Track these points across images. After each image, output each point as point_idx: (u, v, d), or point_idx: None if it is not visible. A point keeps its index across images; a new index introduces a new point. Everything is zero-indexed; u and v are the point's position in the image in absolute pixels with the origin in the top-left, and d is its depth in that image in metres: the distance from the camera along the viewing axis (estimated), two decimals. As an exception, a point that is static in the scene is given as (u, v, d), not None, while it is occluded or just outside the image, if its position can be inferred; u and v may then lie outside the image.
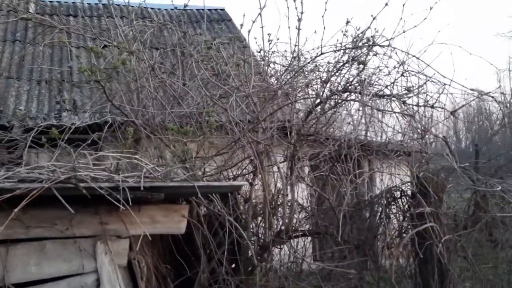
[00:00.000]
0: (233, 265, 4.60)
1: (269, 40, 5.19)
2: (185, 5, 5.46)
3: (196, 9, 10.26)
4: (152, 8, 9.78)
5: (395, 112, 4.82)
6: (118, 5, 8.83)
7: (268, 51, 5.41)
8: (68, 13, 9.29)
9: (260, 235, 5.04)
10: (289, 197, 4.78)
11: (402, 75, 4.64)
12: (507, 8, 57.32)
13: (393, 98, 4.60)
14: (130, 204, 2.79)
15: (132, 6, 5.75)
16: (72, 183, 2.75)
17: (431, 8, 4.43)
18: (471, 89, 4.33)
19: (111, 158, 3.53)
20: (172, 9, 9.74)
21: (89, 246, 3.18)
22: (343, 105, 5.12)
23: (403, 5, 4.45)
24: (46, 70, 7.64)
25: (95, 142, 4.31)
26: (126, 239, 3.28)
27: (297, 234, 5.18)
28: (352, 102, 5.01)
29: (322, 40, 4.87)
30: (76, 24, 6.42)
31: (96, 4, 9.80)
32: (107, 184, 2.82)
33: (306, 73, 5.21)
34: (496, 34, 40.17)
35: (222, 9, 10.85)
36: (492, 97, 4.36)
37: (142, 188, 2.85)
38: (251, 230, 4.88)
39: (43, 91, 7.35)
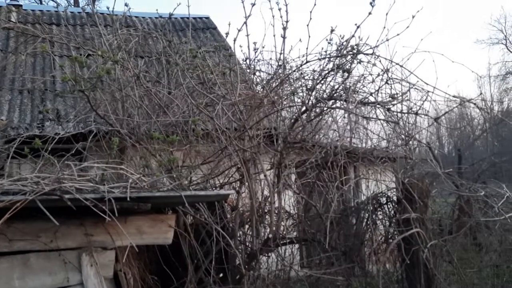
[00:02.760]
0: (221, 274, 4.57)
1: (254, 49, 5.22)
2: (171, 14, 5.45)
3: (181, 18, 10.25)
4: (136, 17, 9.74)
5: (379, 119, 4.87)
6: (102, 13, 8.82)
7: (254, 59, 5.44)
8: (50, 22, 9.19)
9: (247, 243, 5.02)
10: (276, 205, 4.78)
11: (386, 82, 4.69)
12: (486, 16, 58.64)
13: (378, 106, 4.64)
14: (116, 215, 2.76)
15: (116, 15, 5.71)
16: (56, 195, 2.70)
17: (413, 17, 4.51)
18: (454, 96, 4.40)
19: (96, 168, 3.49)
20: (156, 18, 9.72)
21: (74, 259, 3.13)
22: (329, 112, 5.16)
23: (386, 14, 4.52)
24: (28, 79, 7.54)
25: (79, 152, 4.26)
26: (112, 251, 3.24)
27: (285, 241, 5.17)
28: (337, 110, 5.05)
29: (307, 48, 4.92)
30: (59, 33, 6.37)
31: (79, 12, 9.73)
32: (93, 195, 2.78)
33: (292, 81, 5.23)
34: (476, 41, 41.07)
35: (207, 18, 10.86)
36: (474, 103, 4.45)
37: (128, 199, 2.82)
38: (239, 239, 4.86)
39: (26, 100, 7.23)
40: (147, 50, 6.17)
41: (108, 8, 5.45)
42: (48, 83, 7.59)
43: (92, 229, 3.16)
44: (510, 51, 33.48)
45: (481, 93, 4.81)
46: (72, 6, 17.89)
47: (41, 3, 20.83)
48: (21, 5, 9.53)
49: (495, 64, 41.15)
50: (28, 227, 3.02)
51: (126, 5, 5.48)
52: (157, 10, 7.12)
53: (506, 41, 33.46)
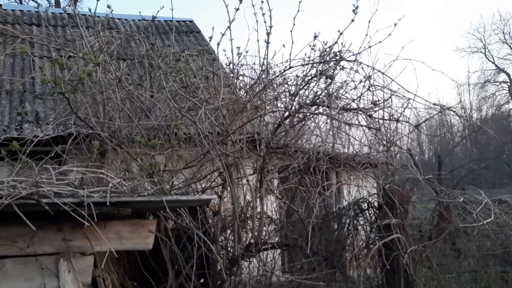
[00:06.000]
0: (202, 280, 4.53)
1: (238, 53, 5.21)
2: (154, 17, 5.41)
3: (164, 20, 10.19)
4: (119, 19, 9.63)
5: (361, 126, 4.90)
6: (83, 15, 8.70)
7: (237, 64, 5.43)
8: (31, 22, 9.02)
9: (229, 249, 4.99)
10: (258, 210, 4.77)
11: (368, 89, 4.73)
12: (465, 25, 59.95)
13: (360, 112, 4.68)
14: (96, 220, 2.71)
15: (98, 16, 5.64)
16: (34, 199, 2.64)
17: (395, 25, 4.57)
18: (434, 104, 4.47)
19: (75, 172, 3.42)
20: (139, 20, 9.64)
21: (51, 264, 3.06)
22: (312, 118, 5.18)
23: (369, 21, 4.57)
24: (6, 80, 7.38)
25: (58, 155, 4.18)
26: (91, 256, 3.18)
27: (266, 246, 5.17)
28: (320, 115, 5.07)
29: (290, 54, 4.93)
30: (40, 33, 6.26)
31: (60, 13, 9.58)
32: (71, 200, 2.73)
33: (275, 86, 5.24)
34: (456, 49, 41.88)
35: (191, 21, 10.82)
36: (454, 111, 4.52)
37: (108, 204, 2.77)
38: (220, 244, 4.84)
39: (4, 102, 7.07)
40: (129, 52, 6.11)
41: (90, 10, 5.39)
42: (27, 85, 7.45)
43: (70, 234, 3.09)
44: (489, 60, 34.33)
45: (460, 101, 4.92)
46: (53, 7, 17.63)
47: (21, 2, 20.49)
48: (0, 5, 9.34)
49: (474, 72, 42.10)
50: (4, 232, 2.94)
51: (108, 6, 5.42)
52: (140, 12, 7.08)
53: (485, 50, 34.31)
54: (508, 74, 34.31)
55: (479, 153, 27.72)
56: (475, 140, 27.16)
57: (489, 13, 46.59)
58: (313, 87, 4.97)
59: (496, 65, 34.41)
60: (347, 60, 4.81)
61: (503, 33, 34.15)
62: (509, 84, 34.06)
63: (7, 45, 5.66)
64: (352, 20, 4.52)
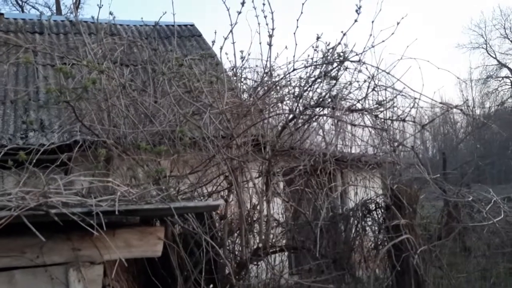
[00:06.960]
0: (211, 285, 4.52)
1: (241, 57, 5.21)
2: (156, 23, 5.41)
3: (166, 25, 10.18)
4: (121, 25, 9.62)
5: (367, 126, 4.88)
6: (85, 21, 8.71)
7: (241, 67, 5.43)
8: (33, 31, 9.04)
9: (236, 253, 4.97)
10: (265, 213, 4.75)
11: (373, 89, 4.71)
12: (466, 21, 59.83)
13: (365, 112, 4.66)
14: (104, 228, 2.70)
15: (100, 23, 5.64)
16: (42, 210, 2.63)
17: (398, 24, 4.56)
18: (441, 103, 4.44)
19: (82, 180, 3.41)
20: (141, 25, 9.64)
21: (61, 274, 3.04)
22: (317, 119, 5.15)
23: (372, 22, 4.55)
24: (11, 89, 7.39)
25: (64, 162, 4.17)
26: (100, 265, 3.16)
27: (274, 249, 5.14)
28: (325, 117, 5.05)
29: (294, 56, 4.91)
30: (43, 42, 6.27)
31: (62, 21, 9.59)
32: (80, 209, 2.72)
33: (278, 88, 5.23)
34: (457, 46, 41.65)
35: (192, 25, 10.82)
36: (461, 110, 4.49)
37: (117, 212, 2.76)
38: (228, 248, 4.82)
39: (8, 110, 7.08)
40: (132, 58, 6.11)
41: (92, 17, 5.40)
42: (31, 93, 7.46)
43: (79, 243, 3.08)
44: (491, 55, 34.18)
45: (467, 100, 4.90)
46: (55, 14, 17.68)
47: (22, 11, 20.58)
48: (2, 14, 9.36)
49: (476, 68, 41.91)
50: (13, 243, 2.93)
51: (111, 13, 5.43)
52: (142, 18, 7.08)
53: (486, 46, 34.17)
54: (510, 69, 34.16)
55: (483, 149, 27.61)
56: (479, 136, 27.05)
57: (490, 9, 46.42)
58: (317, 88, 4.96)
59: (498, 60, 34.26)
60: (350, 61, 4.79)
61: (504, 28, 34.00)
62: (511, 79, 33.93)
63: (11, 54, 5.66)
64: (355, 21, 4.51)
